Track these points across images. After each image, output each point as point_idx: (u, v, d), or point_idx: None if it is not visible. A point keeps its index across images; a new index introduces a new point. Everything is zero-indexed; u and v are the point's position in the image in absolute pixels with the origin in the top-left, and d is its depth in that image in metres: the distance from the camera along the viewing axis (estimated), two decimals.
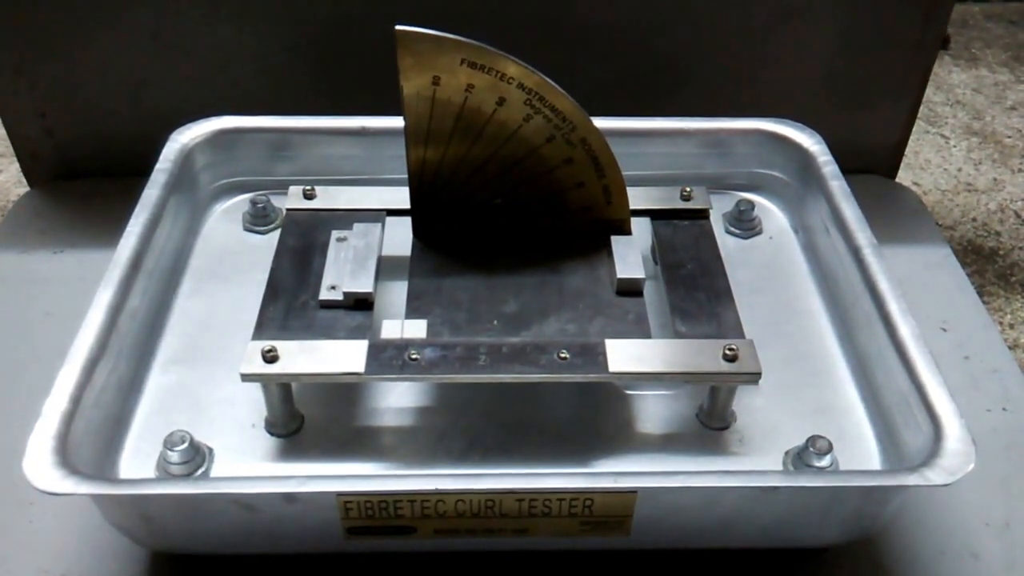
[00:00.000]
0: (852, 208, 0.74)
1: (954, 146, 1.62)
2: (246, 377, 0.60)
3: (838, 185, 0.76)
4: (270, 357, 0.60)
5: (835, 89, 0.94)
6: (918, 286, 0.84)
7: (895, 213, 0.94)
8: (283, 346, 0.61)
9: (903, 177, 1.01)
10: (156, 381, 0.67)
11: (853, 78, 0.93)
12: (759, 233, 0.82)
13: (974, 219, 1.45)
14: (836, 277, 0.74)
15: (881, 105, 0.96)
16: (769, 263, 0.80)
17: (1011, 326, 1.27)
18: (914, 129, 0.99)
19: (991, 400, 0.75)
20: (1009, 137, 1.62)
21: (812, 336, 0.73)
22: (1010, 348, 0.86)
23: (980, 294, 0.85)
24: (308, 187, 0.75)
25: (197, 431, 0.62)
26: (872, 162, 0.99)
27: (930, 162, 1.55)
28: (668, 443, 0.64)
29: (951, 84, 1.76)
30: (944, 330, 0.81)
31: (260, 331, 0.63)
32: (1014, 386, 0.76)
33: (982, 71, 1.78)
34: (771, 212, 0.84)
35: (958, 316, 0.82)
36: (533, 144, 0.68)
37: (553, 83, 0.65)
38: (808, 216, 0.80)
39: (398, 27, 0.62)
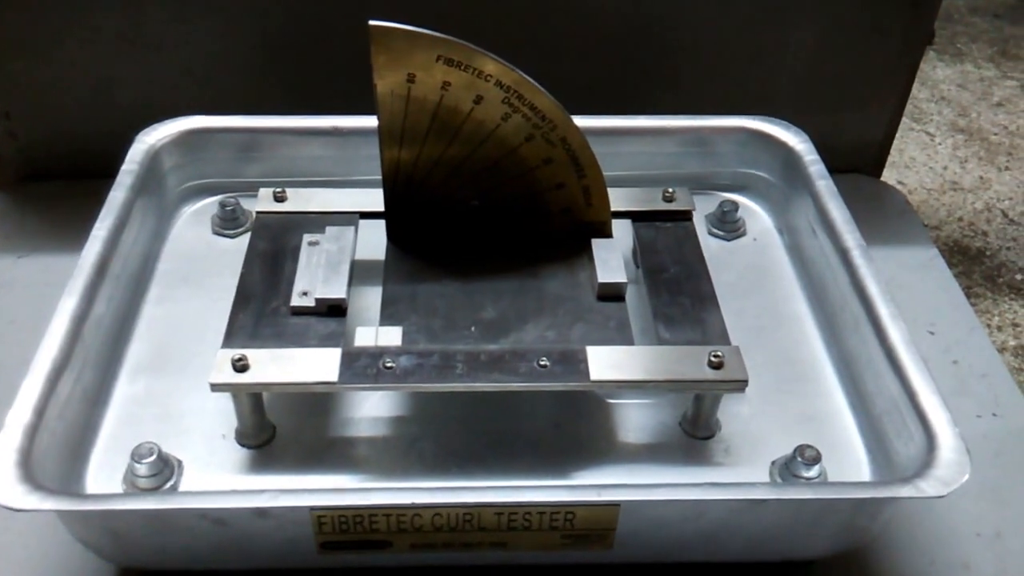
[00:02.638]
0: (839, 208, 0.73)
1: (939, 144, 1.62)
2: (215, 387, 0.59)
3: (825, 185, 0.76)
4: (240, 366, 0.59)
5: (819, 86, 0.94)
6: (905, 288, 0.83)
7: (881, 213, 0.94)
8: (254, 354, 0.60)
9: (887, 176, 1.01)
10: (123, 391, 0.66)
11: (837, 75, 0.93)
12: (743, 235, 0.82)
13: (960, 219, 1.45)
14: (823, 280, 0.74)
15: (866, 102, 0.95)
16: (753, 265, 0.79)
17: (999, 328, 1.27)
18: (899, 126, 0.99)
19: (980, 405, 0.75)
20: (995, 134, 1.63)
21: (798, 341, 0.72)
22: (998, 351, 0.86)
23: (967, 296, 0.85)
24: (279, 189, 0.74)
25: (165, 443, 0.61)
26: (857, 161, 0.98)
27: (915, 160, 1.55)
28: (651, 453, 0.64)
29: (936, 80, 1.76)
30: (931, 333, 0.80)
31: (230, 339, 0.62)
32: (1003, 391, 0.76)
33: (967, 66, 1.78)
34: (755, 213, 0.84)
35: (945, 319, 0.82)
36: (511, 144, 0.67)
37: (532, 80, 0.64)
38: (793, 217, 0.80)
39: (372, 23, 0.61)
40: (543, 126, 0.66)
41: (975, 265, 1.36)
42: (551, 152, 0.67)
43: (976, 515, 0.67)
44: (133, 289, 0.72)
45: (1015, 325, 1.28)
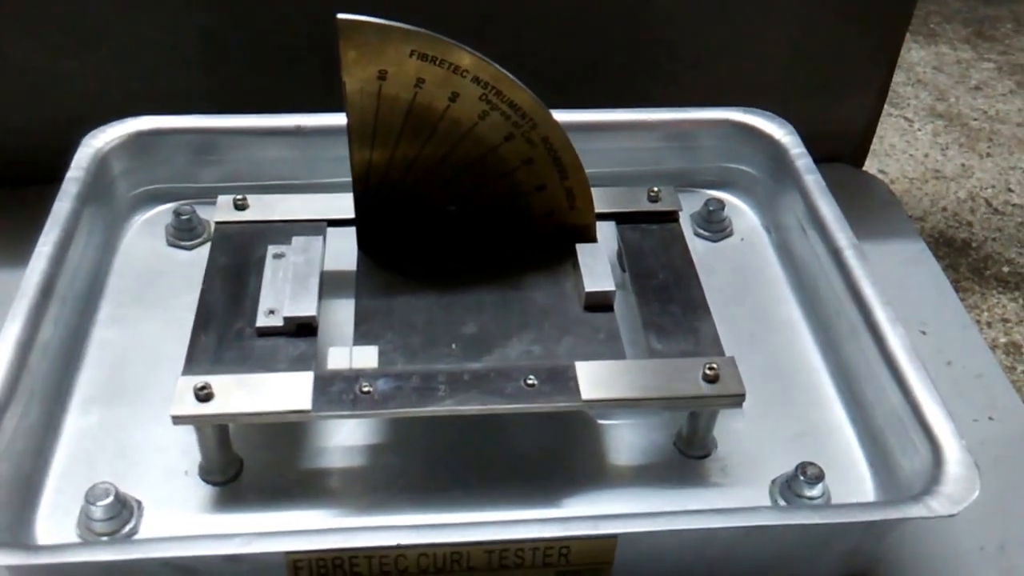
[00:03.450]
0: (830, 205, 0.72)
1: (919, 130, 1.61)
2: (177, 420, 0.55)
3: (813, 180, 0.74)
4: (204, 395, 0.55)
5: (798, 74, 0.92)
6: (893, 285, 0.80)
7: (865, 205, 0.92)
8: (218, 382, 0.56)
9: (867, 165, 1.00)
10: (74, 425, 0.62)
11: (817, 62, 0.91)
12: (730, 235, 0.80)
13: (944, 209, 1.44)
14: (815, 282, 0.72)
15: (847, 89, 0.94)
16: (742, 267, 0.77)
17: (988, 324, 1.26)
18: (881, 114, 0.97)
19: (977, 409, 0.73)
20: (975, 119, 1.62)
21: (792, 349, 0.71)
22: (989, 348, 0.84)
23: (955, 290, 0.84)
24: (239, 196, 0.70)
25: (123, 482, 0.57)
26: (838, 150, 0.97)
27: (895, 147, 1.54)
28: (645, 475, 0.62)
29: (911, 62, 1.75)
30: (923, 333, 0.79)
31: (191, 365, 0.58)
32: (999, 393, 0.75)
33: (943, 48, 1.77)
34: (741, 211, 0.82)
35: (937, 317, 0.80)
36: (490, 143, 0.64)
37: (511, 76, 0.61)
38: (781, 214, 0.78)
39: (340, 16, 0.58)
40: (523, 124, 0.63)
41: (961, 257, 1.35)
42: (532, 152, 0.64)
43: (979, 527, 0.65)
44: (82, 310, 0.68)
45: (1004, 320, 1.28)
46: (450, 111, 0.62)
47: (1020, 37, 1.78)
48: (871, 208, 0.92)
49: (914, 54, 1.76)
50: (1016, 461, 0.70)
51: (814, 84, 0.92)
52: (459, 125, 0.63)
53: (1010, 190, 1.45)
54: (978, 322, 1.27)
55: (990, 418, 0.72)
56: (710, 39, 0.89)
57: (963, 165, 1.51)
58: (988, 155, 1.53)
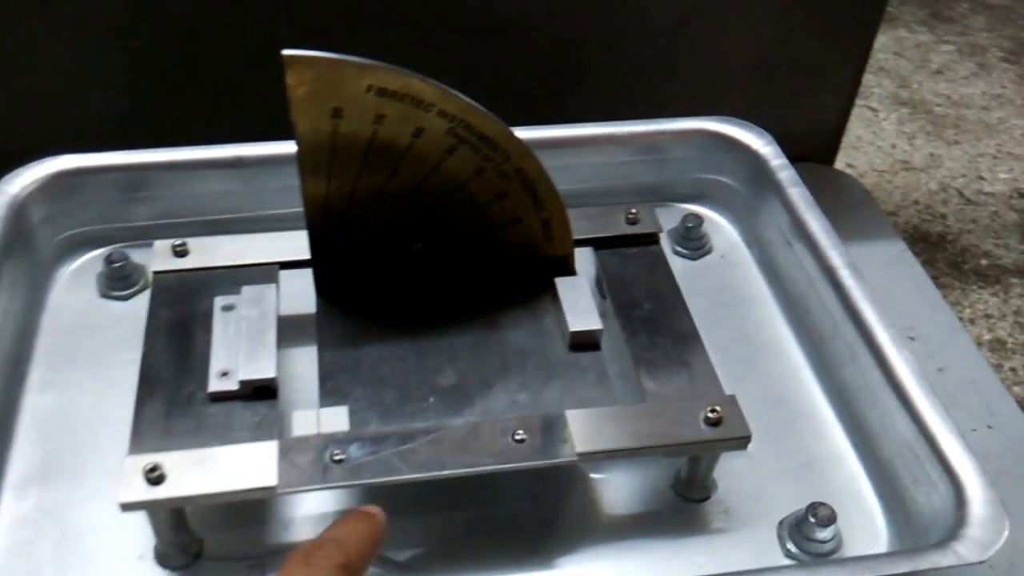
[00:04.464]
0: (819, 220, 0.70)
1: (884, 119, 1.60)
2: (127, 507, 0.50)
3: (798, 192, 0.72)
4: (155, 478, 0.50)
5: (763, 71, 0.89)
6: (877, 289, 0.79)
7: (839, 205, 0.88)
8: (169, 460, 0.51)
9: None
10: (8, 511, 0.57)
11: (785, 59, 0.89)
12: (709, 252, 0.77)
13: (916, 202, 1.43)
14: (806, 301, 0.69)
15: (816, 86, 0.91)
16: (724, 287, 0.75)
17: (971, 321, 1.25)
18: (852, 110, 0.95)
19: (974, 418, 0.71)
20: (939, 105, 1.61)
21: (786, 374, 0.68)
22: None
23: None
24: (178, 242, 0.64)
25: (69, 573, 0.53)
26: (808, 149, 0.94)
27: (861, 139, 1.53)
28: (643, 524, 0.59)
29: (872, 48, 1.75)
30: (912, 339, 0.76)
31: (138, 441, 0.53)
32: (995, 399, 0.73)
33: (901, 32, 1.77)
34: (719, 225, 0.79)
35: (924, 321, 0.78)
36: (459, 179, 0.60)
37: (480, 106, 0.57)
38: (763, 228, 0.75)
39: (285, 52, 0.53)
40: (495, 157, 0.59)
41: (938, 252, 1.34)
42: (506, 185, 0.60)
43: None
44: (9, 377, 0.62)
45: (987, 316, 1.27)
46: (414, 148, 0.58)
47: (977, 16, 1.78)
48: (846, 208, 0.90)
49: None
50: (1020, 471, 0.68)
51: (783, 83, 0.90)
52: (425, 162, 0.59)
53: (981, 178, 1.44)
54: (960, 319, 1.26)
55: (988, 427, 0.70)
56: (668, 44, 0.86)
57: (931, 154, 1.49)
58: (956, 142, 1.52)
